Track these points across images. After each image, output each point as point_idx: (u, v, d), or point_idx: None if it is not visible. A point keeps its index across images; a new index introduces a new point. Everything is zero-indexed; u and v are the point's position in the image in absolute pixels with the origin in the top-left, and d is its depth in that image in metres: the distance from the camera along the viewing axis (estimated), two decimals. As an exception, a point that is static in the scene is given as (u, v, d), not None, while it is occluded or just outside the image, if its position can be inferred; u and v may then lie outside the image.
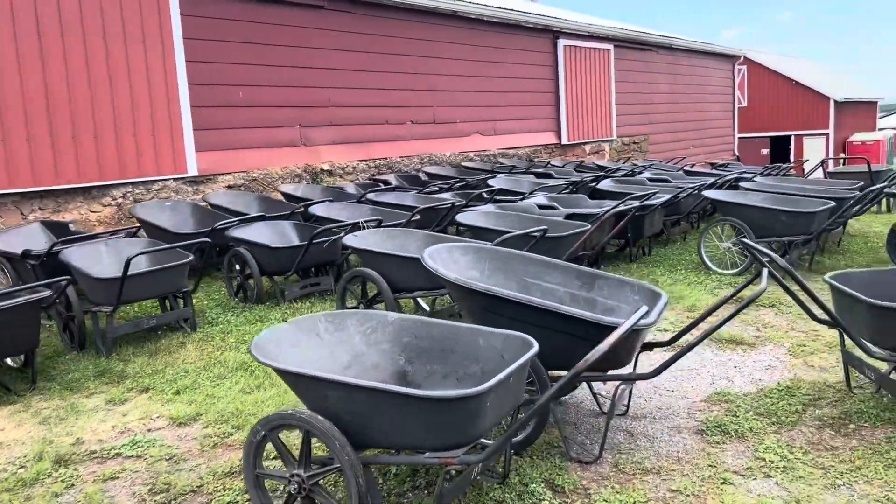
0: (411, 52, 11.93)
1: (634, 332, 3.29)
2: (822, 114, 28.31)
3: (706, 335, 3.21)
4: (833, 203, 6.51)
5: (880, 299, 3.70)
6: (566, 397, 4.15)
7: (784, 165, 11.09)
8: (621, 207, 6.49)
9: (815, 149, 29.03)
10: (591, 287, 4.07)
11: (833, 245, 7.82)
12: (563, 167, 11.82)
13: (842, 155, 27.81)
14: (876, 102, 33.24)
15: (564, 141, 15.42)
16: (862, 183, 7.95)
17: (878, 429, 3.56)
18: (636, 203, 6.63)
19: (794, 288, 3.63)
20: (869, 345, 3.67)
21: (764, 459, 3.31)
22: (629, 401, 3.94)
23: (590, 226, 5.87)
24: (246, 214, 7.28)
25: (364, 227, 5.89)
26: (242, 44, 9.50)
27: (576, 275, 4.11)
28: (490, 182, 9.21)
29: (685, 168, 11.37)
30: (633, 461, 3.37)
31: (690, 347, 3.24)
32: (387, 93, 11.61)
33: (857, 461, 3.25)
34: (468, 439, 2.64)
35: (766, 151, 29.38)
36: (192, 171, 8.67)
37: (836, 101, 28.15)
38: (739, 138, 29.83)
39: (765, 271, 3.21)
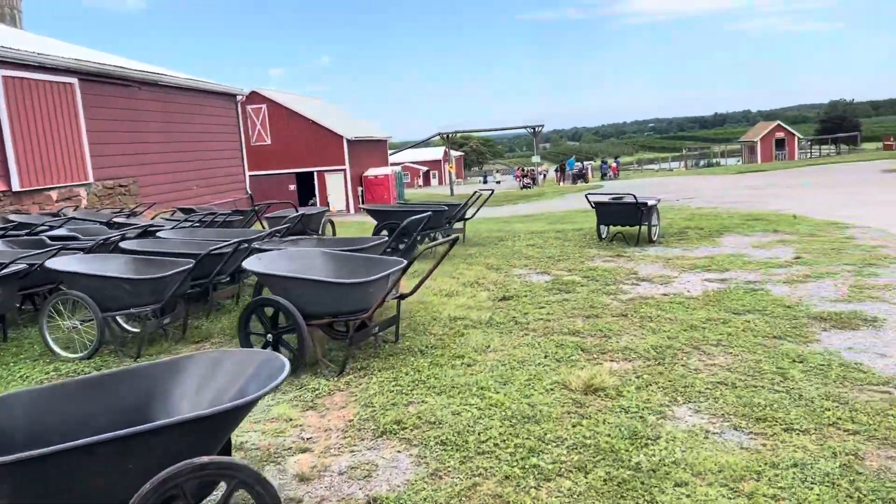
0: None
1: None
2: (339, 151, 30.51)
3: None
4: (192, 263, 5.93)
5: (34, 428, 2.90)
6: None
7: (228, 211, 10.70)
8: None
9: (336, 183, 31.18)
10: None
11: (231, 303, 7.38)
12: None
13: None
14: (386, 141, 37.37)
15: (17, 187, 12.99)
16: (269, 230, 7.73)
17: None
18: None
19: None
20: None
21: None
22: None
23: None
24: None
25: None
26: None
27: None
28: None
29: (114, 219, 10.12)
30: None
31: None
32: None
33: None
34: None
35: (293, 187, 30.46)
36: None
37: (348, 140, 30.61)
38: (268, 175, 30.46)
39: None
